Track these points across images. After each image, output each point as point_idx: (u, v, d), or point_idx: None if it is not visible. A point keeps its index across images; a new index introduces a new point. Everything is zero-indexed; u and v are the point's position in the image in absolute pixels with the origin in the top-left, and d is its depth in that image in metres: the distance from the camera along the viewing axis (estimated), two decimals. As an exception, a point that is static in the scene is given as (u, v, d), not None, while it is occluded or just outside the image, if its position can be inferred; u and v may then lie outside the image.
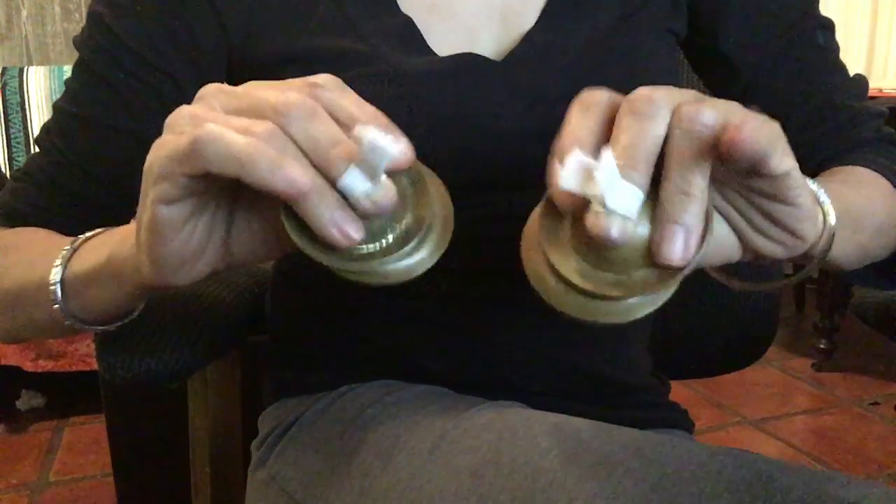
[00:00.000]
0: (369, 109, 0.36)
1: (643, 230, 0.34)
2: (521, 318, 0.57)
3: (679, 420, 0.66)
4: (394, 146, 0.35)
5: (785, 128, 0.68)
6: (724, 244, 0.39)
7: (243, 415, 0.73)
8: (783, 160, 0.34)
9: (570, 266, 0.35)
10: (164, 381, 0.60)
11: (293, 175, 0.33)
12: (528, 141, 0.55)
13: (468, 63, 0.56)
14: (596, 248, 0.34)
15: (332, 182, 0.35)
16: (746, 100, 0.63)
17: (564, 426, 0.46)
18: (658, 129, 0.33)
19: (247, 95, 0.36)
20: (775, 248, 0.39)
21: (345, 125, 0.36)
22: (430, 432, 0.49)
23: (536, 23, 0.59)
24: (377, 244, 0.37)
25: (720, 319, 0.76)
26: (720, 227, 0.39)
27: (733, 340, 0.78)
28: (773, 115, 0.62)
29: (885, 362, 2.38)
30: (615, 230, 0.32)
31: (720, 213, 0.39)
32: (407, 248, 0.38)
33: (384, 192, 0.35)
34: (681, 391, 1.89)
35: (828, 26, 0.64)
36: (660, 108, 0.33)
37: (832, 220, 0.42)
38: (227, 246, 0.40)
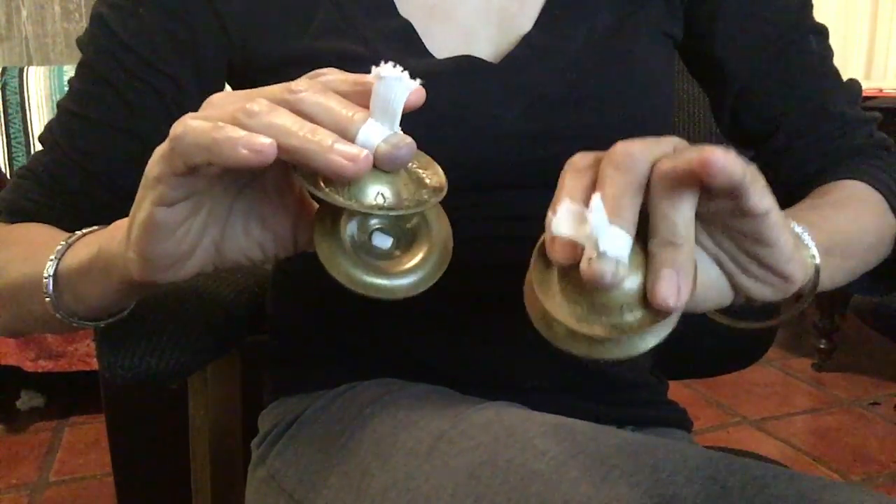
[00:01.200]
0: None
1: (634, 281, 0.35)
2: (520, 315, 0.57)
3: (677, 419, 0.67)
4: (410, 81, 0.36)
5: (779, 135, 0.68)
6: (716, 288, 0.40)
7: (243, 414, 0.73)
8: (763, 199, 0.35)
9: (564, 312, 0.36)
10: (164, 381, 0.60)
11: (255, 141, 0.33)
12: (526, 142, 0.56)
13: (466, 65, 0.57)
14: (589, 295, 0.36)
15: (350, 141, 0.35)
16: (741, 104, 0.64)
17: (562, 428, 0.47)
18: (638, 180, 0.34)
19: (256, 92, 0.37)
20: (765, 290, 0.40)
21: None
22: (428, 432, 0.50)
23: (534, 25, 0.59)
24: (388, 198, 0.38)
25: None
26: (712, 273, 0.40)
27: (733, 340, 0.78)
28: (768, 120, 0.62)
29: (885, 362, 2.38)
30: (608, 273, 0.33)
31: (710, 257, 0.39)
32: (413, 264, 0.40)
33: (402, 136, 0.36)
34: (681, 391, 1.89)
35: (821, 32, 0.64)
36: (638, 162, 0.34)
37: (817, 260, 0.43)
38: (219, 248, 0.41)
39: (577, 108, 0.56)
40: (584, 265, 0.34)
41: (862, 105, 0.65)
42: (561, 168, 0.37)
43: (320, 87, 0.36)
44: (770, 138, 0.64)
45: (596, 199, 0.33)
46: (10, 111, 2.24)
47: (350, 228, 0.40)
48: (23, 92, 2.24)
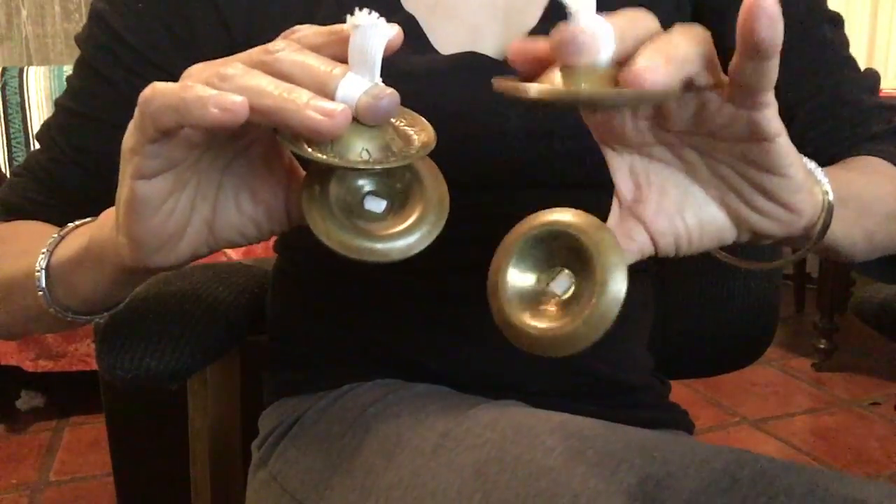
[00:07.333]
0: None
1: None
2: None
3: (679, 421, 0.66)
4: (387, 26, 0.35)
5: (795, 124, 0.67)
6: (716, 224, 0.39)
7: (243, 415, 0.73)
8: (775, 119, 0.34)
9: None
10: (163, 382, 0.60)
11: (225, 100, 0.32)
12: (531, 140, 0.55)
13: (471, 62, 0.56)
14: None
15: (330, 97, 0.34)
16: None
17: (568, 424, 0.46)
18: (652, 17, 0.34)
19: (232, 57, 0.36)
20: (771, 224, 0.38)
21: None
22: (433, 430, 0.49)
23: (539, 22, 0.58)
24: (374, 154, 0.36)
25: (720, 319, 0.76)
26: (711, 209, 0.38)
27: (733, 340, 0.78)
28: (784, 110, 0.61)
29: (885, 362, 2.38)
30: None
31: (712, 192, 0.38)
32: (407, 225, 0.38)
33: (382, 87, 0.35)
34: (681, 391, 1.89)
35: (836, 20, 0.63)
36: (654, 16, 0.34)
37: (829, 196, 0.41)
38: (211, 227, 0.40)
39: None
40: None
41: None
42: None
43: (297, 46, 0.35)
44: (786, 128, 0.63)
45: None
46: (10, 111, 2.24)
47: (339, 193, 0.38)
48: (23, 92, 2.24)
